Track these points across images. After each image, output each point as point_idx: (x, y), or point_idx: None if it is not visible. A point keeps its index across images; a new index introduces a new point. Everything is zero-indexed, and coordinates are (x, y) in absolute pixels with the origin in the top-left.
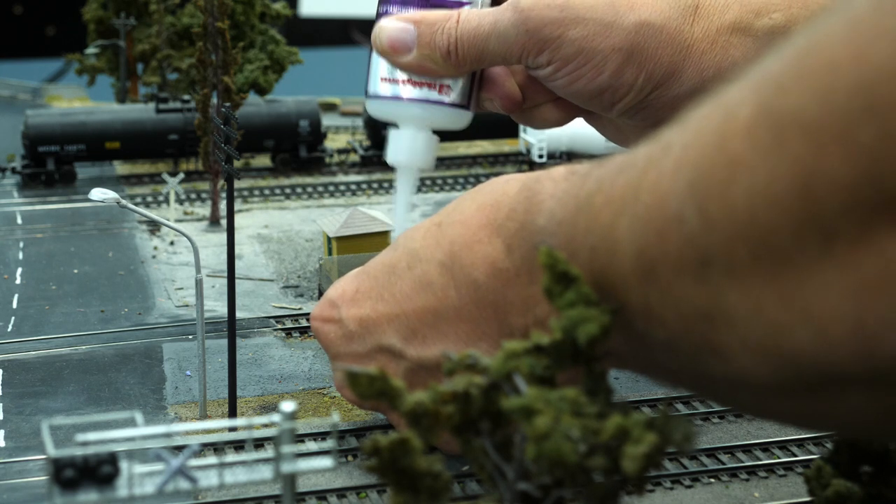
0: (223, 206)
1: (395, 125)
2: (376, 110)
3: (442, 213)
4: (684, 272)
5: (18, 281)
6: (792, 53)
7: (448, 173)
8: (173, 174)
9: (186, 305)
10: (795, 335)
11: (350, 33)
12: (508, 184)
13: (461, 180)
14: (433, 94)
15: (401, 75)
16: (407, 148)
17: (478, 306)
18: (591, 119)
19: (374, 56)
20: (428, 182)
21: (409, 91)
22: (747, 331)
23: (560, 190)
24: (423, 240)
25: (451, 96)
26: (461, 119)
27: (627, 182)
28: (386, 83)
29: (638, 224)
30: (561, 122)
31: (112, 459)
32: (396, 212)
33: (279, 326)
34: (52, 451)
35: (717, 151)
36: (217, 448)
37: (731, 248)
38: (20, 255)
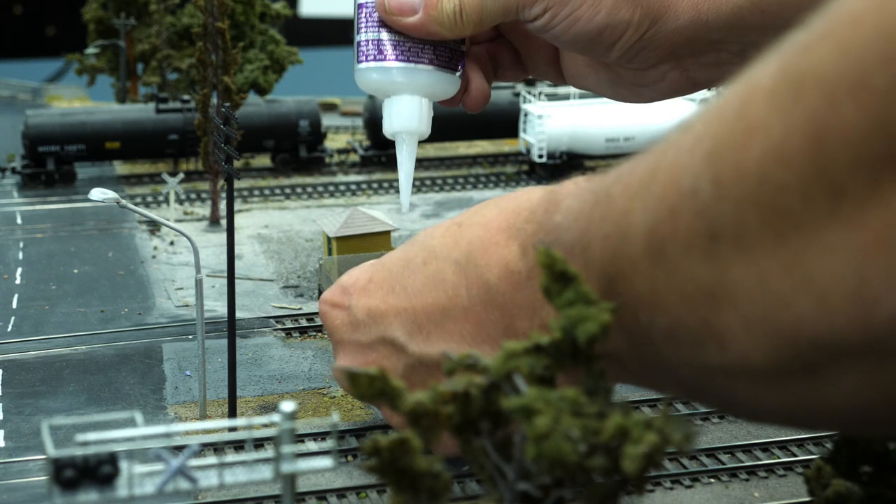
0: (223, 206)
1: (386, 99)
2: (366, 80)
3: (464, 215)
4: (693, 249)
5: (18, 281)
6: (818, 19)
7: (448, 173)
8: (173, 174)
9: (186, 305)
10: (795, 304)
11: (350, 33)
12: (533, 192)
13: (461, 180)
14: (425, 58)
15: (392, 43)
16: (406, 114)
17: (486, 308)
18: (586, 77)
19: (364, 27)
20: (428, 182)
21: (402, 56)
22: (749, 307)
23: (581, 188)
24: (441, 237)
25: (444, 61)
26: (452, 84)
27: (646, 167)
28: (377, 52)
29: (651, 203)
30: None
31: (112, 459)
32: (401, 183)
33: (279, 326)
34: (52, 451)
35: (737, 118)
36: (217, 448)
37: (741, 215)
38: (20, 255)
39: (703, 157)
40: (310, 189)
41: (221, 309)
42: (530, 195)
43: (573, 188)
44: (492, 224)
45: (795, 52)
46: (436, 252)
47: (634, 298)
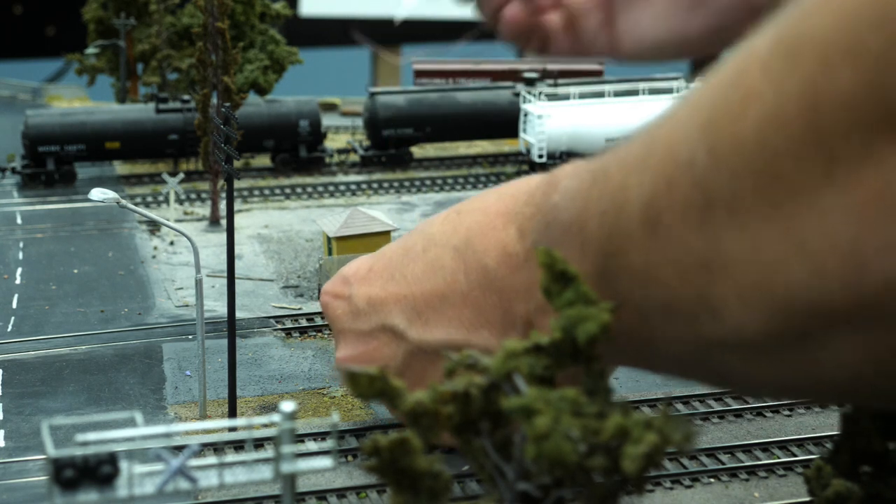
0: (223, 206)
1: None
2: None
3: (463, 203)
4: (688, 218)
5: (18, 281)
6: None
7: (448, 173)
8: (173, 174)
9: (186, 305)
10: (790, 270)
11: (350, 33)
12: (532, 178)
13: (461, 180)
14: None
15: None
16: None
17: (484, 293)
18: (641, 18)
19: None
20: (428, 182)
21: None
22: (743, 275)
23: (579, 169)
24: (440, 225)
25: None
26: None
27: (642, 142)
28: None
29: (648, 176)
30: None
31: (112, 459)
32: None
33: (279, 326)
34: (52, 451)
35: (734, 88)
36: (217, 448)
37: (736, 183)
38: (20, 255)
39: (699, 127)
40: (310, 189)
41: (221, 309)
42: (529, 181)
43: (571, 169)
44: (491, 209)
45: (791, 20)
46: (435, 239)
47: (630, 273)
